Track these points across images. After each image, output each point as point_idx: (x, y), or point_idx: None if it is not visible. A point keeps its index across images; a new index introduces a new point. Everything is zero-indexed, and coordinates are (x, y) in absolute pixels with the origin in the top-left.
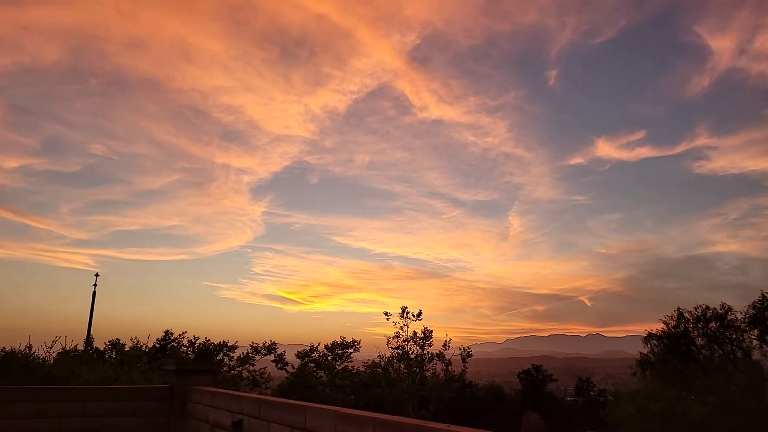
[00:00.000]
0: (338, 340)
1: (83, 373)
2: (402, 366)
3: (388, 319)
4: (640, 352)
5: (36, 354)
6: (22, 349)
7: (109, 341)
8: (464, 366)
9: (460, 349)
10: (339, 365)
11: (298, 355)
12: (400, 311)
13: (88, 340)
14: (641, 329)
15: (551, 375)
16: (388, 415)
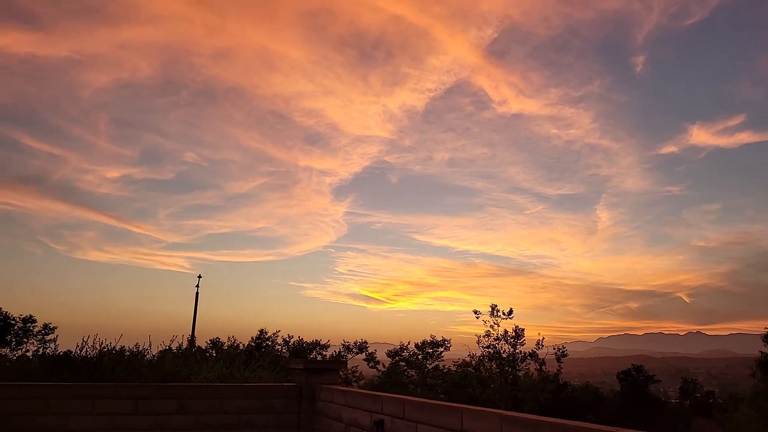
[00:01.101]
0: (428, 338)
1: (201, 371)
2: (494, 365)
3: (477, 318)
4: (761, 352)
5: (145, 352)
6: (139, 348)
7: (209, 340)
8: (559, 366)
9: (554, 348)
10: (429, 364)
11: (389, 354)
12: (490, 309)
13: (192, 339)
14: (748, 327)
15: (653, 375)
16: (565, 420)
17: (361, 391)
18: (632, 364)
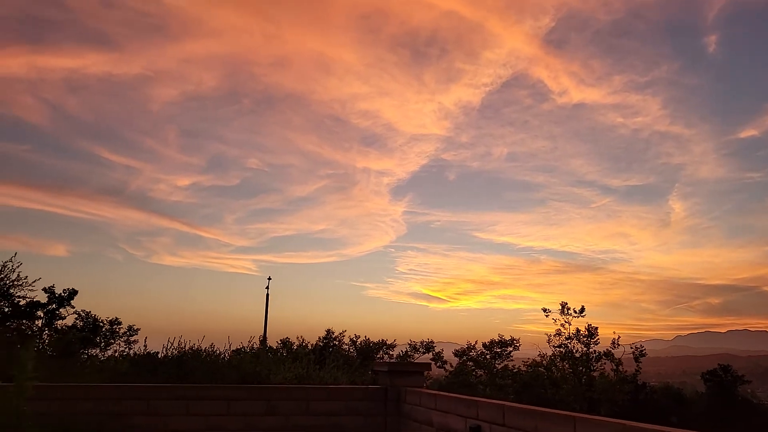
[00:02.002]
0: (495, 338)
1: (280, 371)
2: (566, 365)
3: (547, 316)
4: None
5: (224, 352)
6: (214, 349)
7: (280, 340)
8: (637, 366)
9: (631, 347)
10: (498, 364)
11: (456, 354)
12: (560, 307)
13: (264, 339)
14: None
15: (742, 375)
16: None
17: (452, 394)
18: (718, 364)
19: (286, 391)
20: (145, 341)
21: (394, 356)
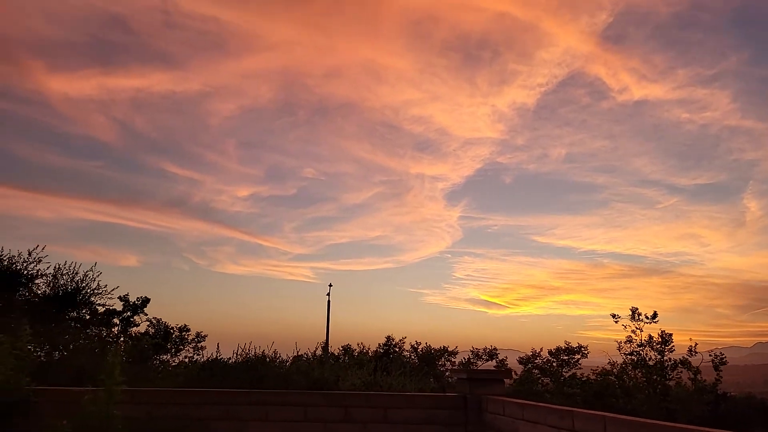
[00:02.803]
0: (561, 345)
1: (348, 377)
2: (639, 374)
3: (616, 322)
4: None
5: (281, 358)
6: (277, 354)
7: (341, 347)
8: (717, 375)
9: (709, 355)
10: (565, 372)
11: (521, 361)
12: (630, 313)
13: (327, 345)
14: None
15: None
16: None
17: (543, 404)
18: None
19: (363, 398)
20: (218, 348)
21: (456, 363)
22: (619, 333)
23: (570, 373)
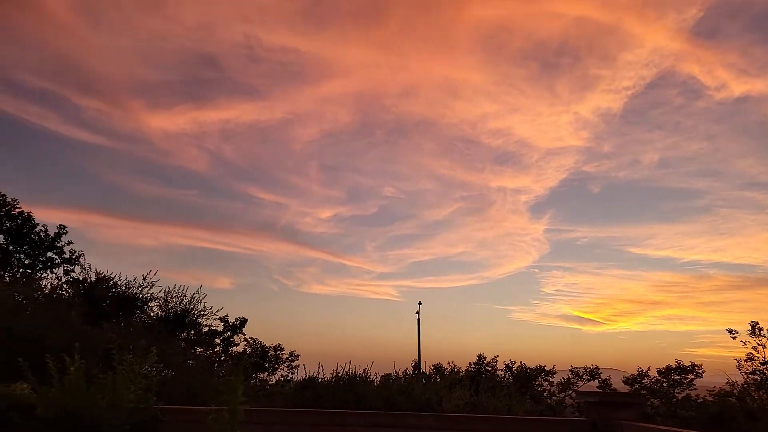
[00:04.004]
0: (670, 363)
1: (450, 398)
2: (764, 395)
3: (734, 338)
4: None
5: (370, 377)
6: (367, 373)
7: (433, 365)
8: None
9: None
10: (677, 393)
11: (626, 381)
12: (750, 328)
13: (418, 364)
14: None
15: None
16: None
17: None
18: None
19: (479, 420)
20: (319, 366)
21: (555, 383)
22: (736, 350)
23: (683, 394)
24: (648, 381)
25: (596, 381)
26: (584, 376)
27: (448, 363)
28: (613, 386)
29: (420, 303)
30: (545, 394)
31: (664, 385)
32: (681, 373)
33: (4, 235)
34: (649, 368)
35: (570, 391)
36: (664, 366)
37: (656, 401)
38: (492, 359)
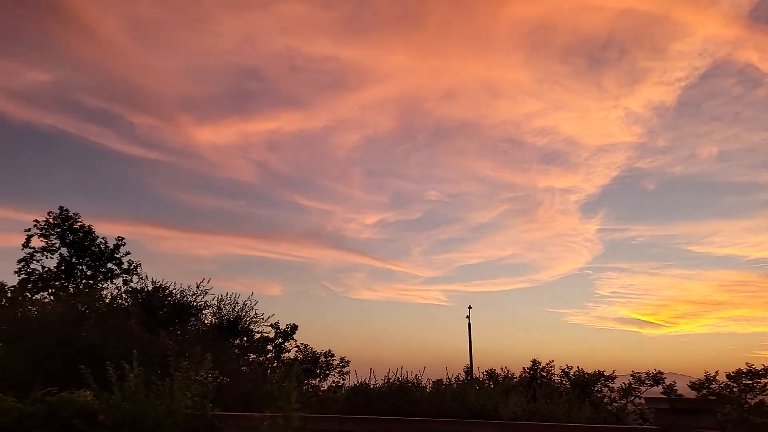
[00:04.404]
0: (741, 367)
1: (507, 404)
2: None
3: None
4: None
5: (421, 383)
6: (419, 379)
7: (485, 371)
8: None
9: None
10: (750, 398)
11: (692, 386)
12: None
13: (470, 370)
14: None
15: None
16: None
17: None
18: None
19: (543, 429)
20: (371, 372)
21: (615, 389)
22: None
23: (756, 400)
24: (716, 386)
25: (660, 386)
26: (647, 382)
27: (501, 368)
28: (679, 392)
29: (470, 307)
30: (605, 401)
31: (735, 390)
32: (753, 377)
33: (68, 248)
34: (717, 372)
35: (632, 397)
36: (734, 370)
37: (727, 407)
38: (547, 364)
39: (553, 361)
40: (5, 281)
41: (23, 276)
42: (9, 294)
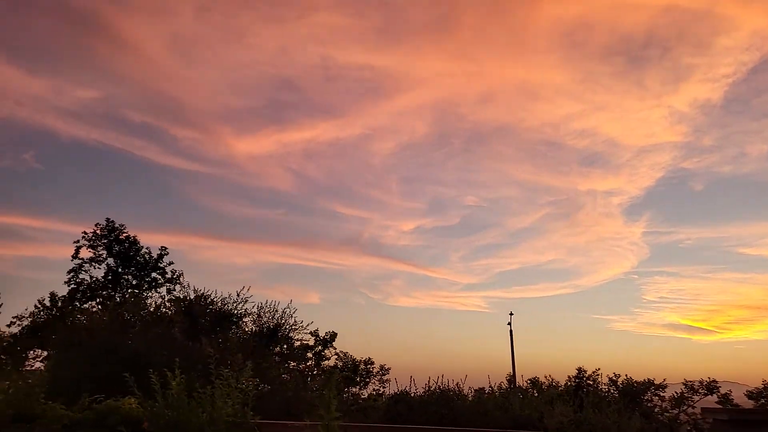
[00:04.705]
0: None
1: (554, 414)
2: None
3: None
4: None
5: (462, 392)
6: (460, 388)
7: (529, 379)
8: None
9: None
10: None
11: (750, 395)
12: None
13: (513, 378)
14: None
15: None
16: None
17: None
18: None
19: None
20: (411, 381)
21: (666, 398)
22: None
23: None
24: None
25: (714, 396)
26: (700, 391)
27: (545, 377)
28: (735, 401)
29: (511, 314)
30: (656, 410)
31: None
32: None
33: (114, 258)
34: None
35: (684, 407)
36: None
37: None
38: (593, 372)
39: (599, 369)
40: (56, 291)
41: (72, 286)
42: (59, 304)
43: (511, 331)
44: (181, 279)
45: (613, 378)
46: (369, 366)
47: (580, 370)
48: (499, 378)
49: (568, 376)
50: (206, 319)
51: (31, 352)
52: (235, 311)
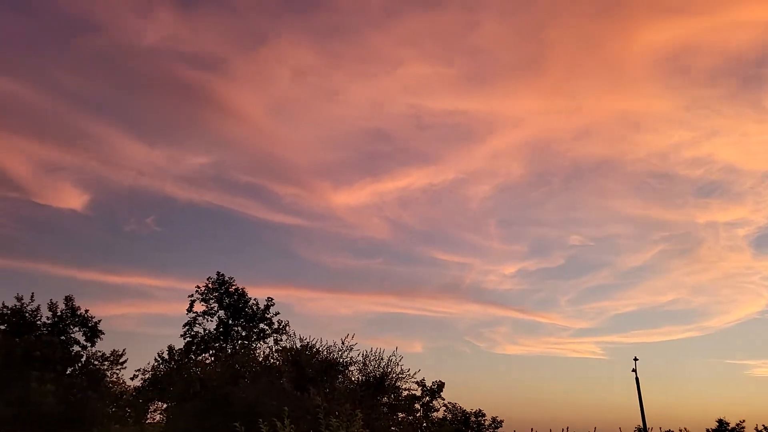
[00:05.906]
0: None
1: None
2: None
3: None
4: None
5: None
6: None
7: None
8: None
9: None
10: None
11: None
12: None
13: (645, 430)
14: None
15: None
16: None
17: None
18: None
19: None
20: None
21: None
22: None
23: None
24: None
25: None
26: None
27: (680, 429)
28: None
29: (636, 359)
30: None
31: None
32: None
33: (225, 311)
34: None
35: None
36: None
37: None
38: (737, 425)
39: (744, 420)
40: (173, 344)
41: (188, 339)
42: (177, 357)
43: (637, 379)
44: (287, 328)
45: (761, 431)
46: (480, 418)
47: (721, 422)
48: (628, 430)
49: (707, 430)
50: (313, 369)
51: (152, 404)
52: (341, 359)
